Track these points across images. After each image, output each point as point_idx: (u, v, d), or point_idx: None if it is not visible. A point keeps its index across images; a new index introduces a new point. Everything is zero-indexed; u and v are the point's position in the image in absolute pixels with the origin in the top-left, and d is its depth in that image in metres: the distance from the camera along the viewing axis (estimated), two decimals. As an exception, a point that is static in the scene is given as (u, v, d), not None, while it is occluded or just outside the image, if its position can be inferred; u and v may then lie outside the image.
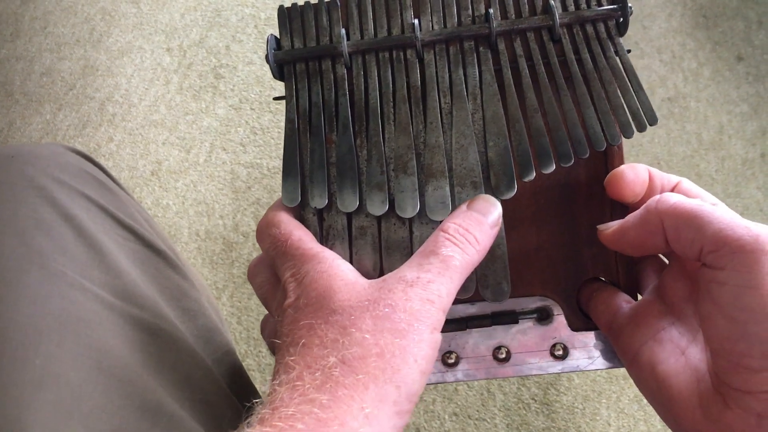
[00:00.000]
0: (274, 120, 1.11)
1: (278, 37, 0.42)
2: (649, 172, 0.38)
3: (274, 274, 0.38)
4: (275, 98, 0.43)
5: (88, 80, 1.15)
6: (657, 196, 0.34)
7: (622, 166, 0.38)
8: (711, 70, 1.14)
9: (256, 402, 0.30)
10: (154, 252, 0.49)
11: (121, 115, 1.11)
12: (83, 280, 0.41)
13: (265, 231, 0.38)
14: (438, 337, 0.32)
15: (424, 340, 0.31)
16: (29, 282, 0.39)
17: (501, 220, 0.36)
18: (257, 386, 0.51)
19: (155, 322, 0.42)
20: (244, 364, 0.77)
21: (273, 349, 0.38)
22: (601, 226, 0.38)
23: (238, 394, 0.46)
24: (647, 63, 1.14)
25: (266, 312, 0.40)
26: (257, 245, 1.00)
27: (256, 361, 0.94)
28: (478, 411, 0.91)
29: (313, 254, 0.35)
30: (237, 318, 0.96)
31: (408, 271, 0.33)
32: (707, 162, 1.07)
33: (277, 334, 0.34)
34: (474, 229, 0.35)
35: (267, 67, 1.15)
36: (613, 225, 0.37)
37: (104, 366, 0.38)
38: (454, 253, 0.33)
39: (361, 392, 0.29)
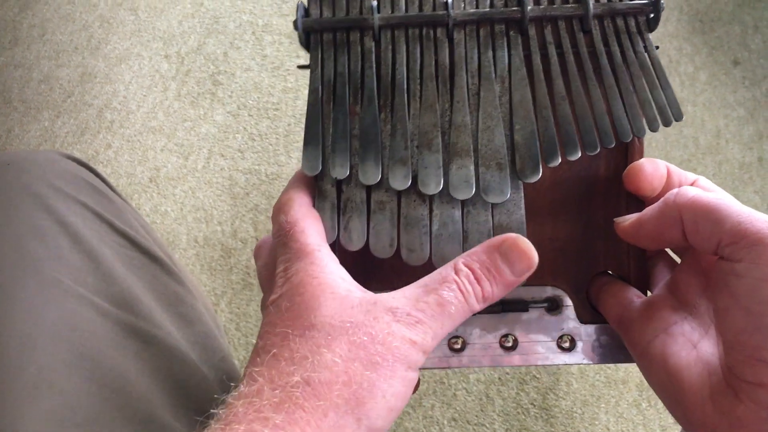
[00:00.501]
0: (272, 126, 1.11)
1: (306, 5, 0.41)
2: (667, 168, 0.38)
3: (273, 262, 0.37)
4: (299, 66, 0.42)
5: (86, 87, 1.15)
6: (675, 190, 0.35)
7: (642, 160, 0.38)
8: (708, 75, 1.15)
9: (212, 413, 0.29)
10: (151, 259, 0.49)
11: (119, 122, 1.12)
12: (78, 288, 0.41)
13: (275, 216, 0.37)
14: (414, 375, 0.31)
15: (397, 377, 0.30)
16: (24, 289, 0.39)
17: (531, 267, 0.34)
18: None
19: (150, 330, 0.42)
20: (242, 370, 0.77)
21: None
22: (618, 219, 0.38)
23: None
24: (644, 67, 1.14)
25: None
26: (255, 251, 1.01)
27: (254, 368, 0.94)
28: (477, 416, 0.90)
29: (308, 251, 0.34)
30: (236, 324, 0.96)
31: (402, 303, 0.32)
32: (704, 166, 1.07)
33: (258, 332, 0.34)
34: (487, 281, 0.33)
35: (265, 74, 1.15)
36: (631, 217, 0.37)
37: (98, 375, 0.38)
38: (454, 300, 0.32)
39: (318, 418, 0.28)
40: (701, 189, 0.36)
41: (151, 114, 1.12)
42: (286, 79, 1.15)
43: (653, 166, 0.38)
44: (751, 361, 0.30)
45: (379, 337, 0.30)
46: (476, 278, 0.33)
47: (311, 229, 0.35)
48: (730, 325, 0.31)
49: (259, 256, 0.40)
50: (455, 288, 0.32)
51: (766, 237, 0.29)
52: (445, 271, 0.33)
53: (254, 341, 0.96)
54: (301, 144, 1.14)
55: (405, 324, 0.31)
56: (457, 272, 0.33)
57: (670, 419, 0.88)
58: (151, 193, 1.06)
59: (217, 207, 1.05)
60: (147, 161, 1.08)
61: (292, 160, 1.08)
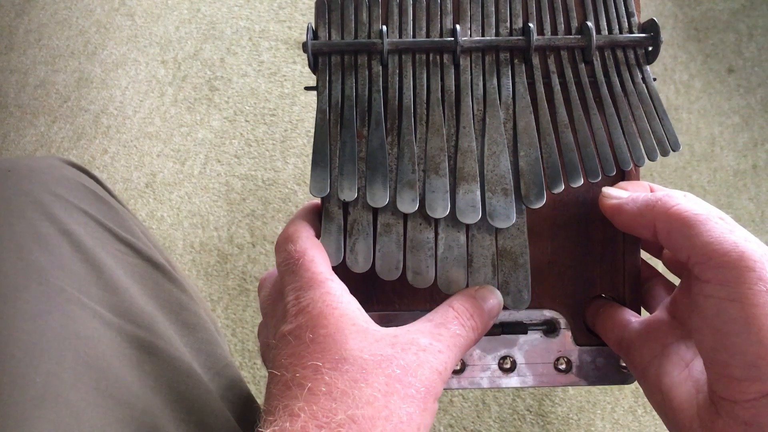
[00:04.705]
0: (269, 132, 1.11)
1: (315, 27, 0.42)
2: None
3: (279, 290, 0.38)
4: (306, 88, 0.43)
5: (82, 92, 1.15)
6: (661, 194, 0.35)
7: (621, 199, 0.38)
8: (702, 82, 1.15)
9: None
10: (152, 265, 0.48)
11: (115, 128, 1.11)
12: (81, 296, 0.41)
13: (282, 245, 0.37)
14: (437, 406, 0.32)
15: (428, 409, 0.31)
16: (28, 298, 0.39)
17: (500, 309, 0.38)
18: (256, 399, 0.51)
19: (152, 340, 0.42)
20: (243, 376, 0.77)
21: (265, 359, 0.37)
22: (605, 190, 0.39)
23: (236, 408, 0.46)
24: (639, 75, 1.15)
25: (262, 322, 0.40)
26: (252, 257, 1.01)
27: (251, 373, 0.94)
28: (473, 422, 0.91)
29: (320, 281, 0.34)
30: (232, 330, 0.96)
31: (421, 336, 0.33)
32: (699, 173, 1.08)
33: (272, 360, 0.34)
34: (477, 316, 0.36)
35: (261, 80, 1.15)
36: (616, 196, 0.38)
37: (103, 386, 0.38)
38: (461, 332, 0.35)
39: None
40: (685, 202, 0.37)
41: (147, 119, 1.12)
42: (282, 85, 1.15)
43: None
44: (722, 378, 0.31)
45: (411, 369, 0.31)
46: (471, 314, 0.36)
47: (320, 258, 0.36)
48: (703, 343, 0.32)
49: (263, 287, 0.40)
50: (458, 323, 0.35)
51: (731, 261, 0.30)
52: (443, 309, 0.36)
53: (250, 347, 0.96)
54: (297, 150, 1.14)
55: (431, 354, 0.32)
56: (456, 309, 0.35)
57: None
58: (147, 199, 1.06)
59: (213, 212, 1.05)
60: (143, 166, 1.08)
61: (289, 165, 1.08)
